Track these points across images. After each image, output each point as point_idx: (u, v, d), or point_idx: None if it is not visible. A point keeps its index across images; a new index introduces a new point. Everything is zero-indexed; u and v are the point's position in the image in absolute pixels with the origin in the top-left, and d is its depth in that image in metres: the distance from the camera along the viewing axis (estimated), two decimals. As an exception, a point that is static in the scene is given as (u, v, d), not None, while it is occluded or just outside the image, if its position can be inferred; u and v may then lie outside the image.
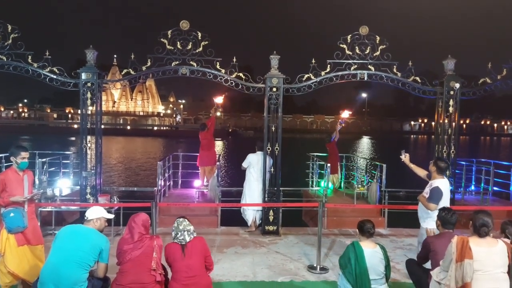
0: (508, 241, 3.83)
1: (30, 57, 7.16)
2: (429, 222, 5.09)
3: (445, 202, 5.12)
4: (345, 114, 11.47)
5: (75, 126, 72.03)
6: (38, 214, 6.89)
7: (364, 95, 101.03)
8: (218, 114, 9.99)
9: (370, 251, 4.17)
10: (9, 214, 4.47)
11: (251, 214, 7.73)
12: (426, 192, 5.18)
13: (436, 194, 5.03)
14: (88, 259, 3.79)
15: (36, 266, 4.54)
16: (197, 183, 9.71)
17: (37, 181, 7.81)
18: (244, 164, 7.76)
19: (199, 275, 3.94)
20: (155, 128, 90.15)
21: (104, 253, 3.89)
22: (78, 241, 3.80)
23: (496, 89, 7.84)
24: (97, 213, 4.09)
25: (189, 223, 4.13)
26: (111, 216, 4.30)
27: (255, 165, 7.68)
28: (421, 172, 5.70)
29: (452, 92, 7.53)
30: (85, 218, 4.05)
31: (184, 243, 3.99)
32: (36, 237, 4.74)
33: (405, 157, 5.78)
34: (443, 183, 5.16)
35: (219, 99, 9.33)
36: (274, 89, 7.35)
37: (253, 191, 7.70)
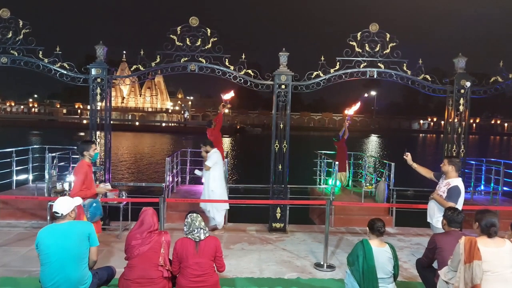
0: None
1: (41, 52, 7.23)
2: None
3: (461, 201, 5.10)
4: (351, 111, 11.32)
5: (84, 121, 72.61)
6: (48, 208, 6.99)
7: (373, 93, 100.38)
8: (226, 111, 9.95)
9: (379, 249, 4.16)
10: (92, 205, 4.84)
11: (222, 215, 7.31)
12: (443, 191, 5.11)
13: (455, 193, 5.01)
14: (82, 251, 3.76)
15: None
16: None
17: (46, 176, 7.89)
18: (210, 163, 7.11)
19: (208, 273, 3.96)
20: (163, 124, 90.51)
21: (92, 236, 3.83)
22: (66, 241, 3.68)
23: (508, 88, 7.74)
24: (69, 206, 3.86)
25: (202, 218, 4.14)
26: (80, 201, 4.10)
27: (219, 163, 7.31)
28: (425, 172, 5.63)
29: (462, 91, 7.46)
30: (59, 215, 3.81)
31: (198, 240, 4.00)
32: (98, 227, 5.03)
33: (406, 157, 5.72)
34: (461, 182, 5.14)
35: (227, 96, 9.32)
36: (283, 86, 7.34)
37: (222, 190, 7.29)
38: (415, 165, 5.68)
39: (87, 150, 5.09)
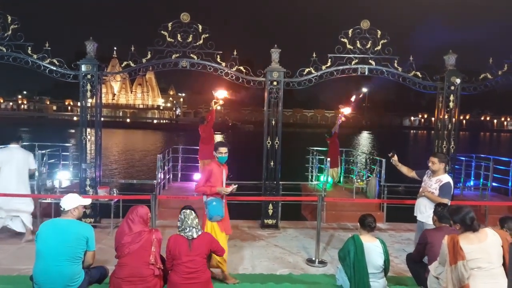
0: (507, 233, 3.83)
1: (29, 48, 7.13)
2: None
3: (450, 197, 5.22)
4: (347, 110, 11.28)
5: (75, 118, 72.05)
6: (38, 206, 6.91)
7: (364, 89, 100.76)
8: (218, 108, 9.91)
9: (370, 245, 4.19)
10: (212, 203, 4.80)
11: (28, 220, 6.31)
12: (435, 188, 5.17)
13: (448, 190, 5.12)
14: (77, 252, 3.76)
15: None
16: (196, 176, 9.72)
17: (36, 173, 7.82)
18: None
19: (200, 270, 3.95)
20: (155, 121, 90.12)
21: (90, 241, 3.85)
22: (62, 237, 3.72)
23: (497, 84, 7.80)
24: (73, 202, 3.93)
25: (196, 215, 4.13)
26: (88, 201, 4.20)
27: (6, 164, 6.18)
28: (407, 171, 5.71)
29: (452, 87, 7.52)
30: (62, 209, 3.90)
31: (191, 238, 3.99)
32: (227, 227, 5.00)
33: (393, 157, 5.72)
34: (450, 179, 5.27)
35: (219, 93, 9.29)
36: (275, 83, 7.34)
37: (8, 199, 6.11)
38: (399, 165, 5.74)
39: (215, 150, 5.03)
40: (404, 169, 5.74)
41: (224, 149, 4.97)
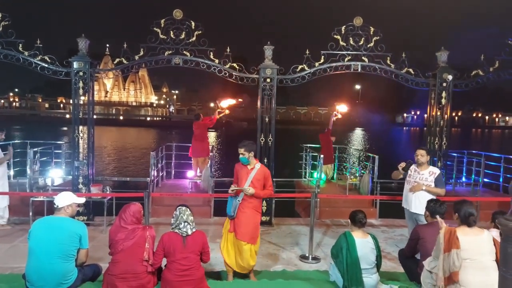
0: (497, 231, 3.89)
1: (21, 45, 7.06)
2: None
3: None
4: (343, 108, 11.23)
5: (67, 116, 71.53)
6: (30, 204, 6.87)
7: (357, 86, 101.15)
8: (218, 117, 9.78)
9: (362, 241, 4.22)
10: (228, 199, 4.83)
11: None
12: (431, 180, 5.34)
13: (442, 179, 5.43)
14: (70, 249, 3.75)
15: (236, 258, 4.74)
16: (190, 173, 9.71)
17: (28, 171, 7.77)
18: None
19: (194, 268, 3.95)
20: (148, 118, 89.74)
21: (83, 239, 3.83)
22: (54, 235, 3.70)
23: (489, 81, 7.87)
24: (67, 199, 3.92)
25: (190, 212, 4.12)
26: (82, 200, 4.18)
27: None
28: (398, 175, 5.83)
29: (444, 84, 7.57)
30: (55, 206, 3.88)
31: (185, 235, 3.98)
32: (243, 233, 4.67)
33: (405, 166, 5.73)
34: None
35: (224, 102, 9.27)
36: (268, 80, 7.34)
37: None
38: (401, 173, 5.77)
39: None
40: (396, 174, 5.84)
41: (239, 149, 4.77)
